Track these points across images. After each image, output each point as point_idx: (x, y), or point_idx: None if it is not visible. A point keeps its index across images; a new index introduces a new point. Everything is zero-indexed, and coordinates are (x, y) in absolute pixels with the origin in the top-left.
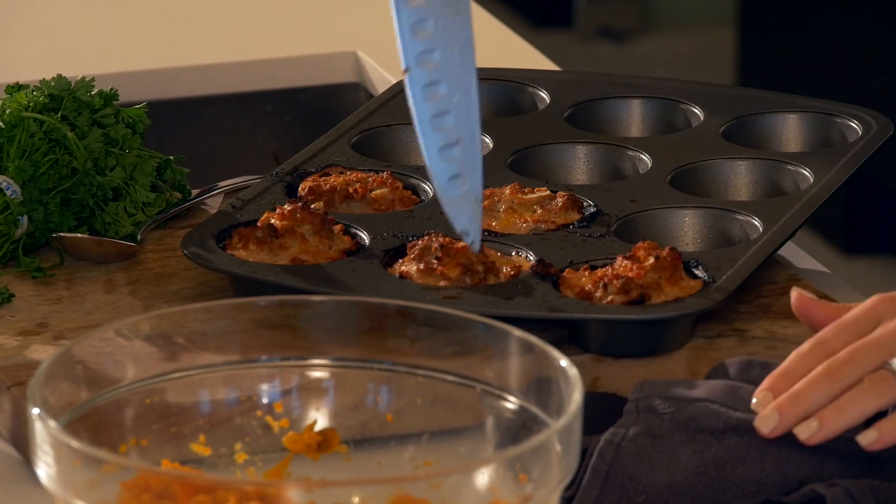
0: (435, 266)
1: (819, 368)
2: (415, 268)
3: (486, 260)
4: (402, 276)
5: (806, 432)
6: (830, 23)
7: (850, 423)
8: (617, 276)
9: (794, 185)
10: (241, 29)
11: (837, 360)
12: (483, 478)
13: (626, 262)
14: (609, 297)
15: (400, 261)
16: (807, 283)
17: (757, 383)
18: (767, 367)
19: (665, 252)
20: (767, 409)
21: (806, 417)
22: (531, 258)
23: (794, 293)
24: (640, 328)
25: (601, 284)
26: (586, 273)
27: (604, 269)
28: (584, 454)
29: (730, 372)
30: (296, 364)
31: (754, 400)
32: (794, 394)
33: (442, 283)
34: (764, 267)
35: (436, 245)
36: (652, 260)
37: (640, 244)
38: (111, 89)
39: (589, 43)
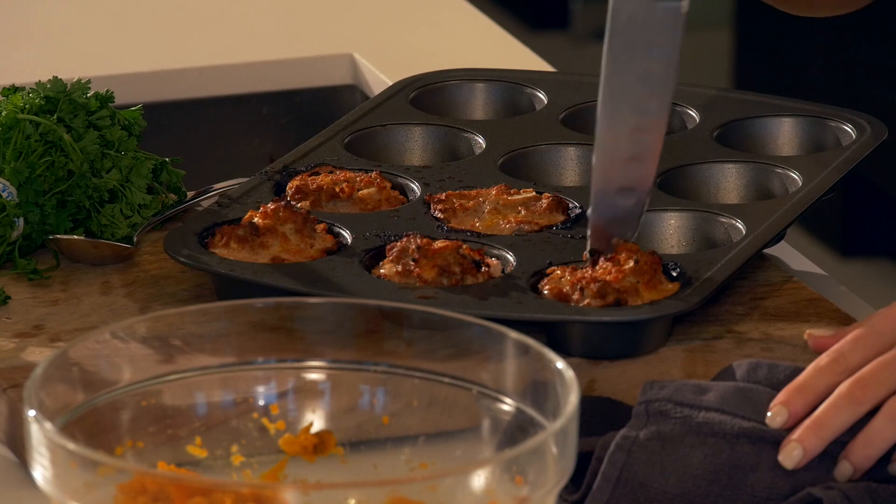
0: (412, 268)
1: (840, 390)
2: (393, 270)
3: (464, 261)
4: (381, 277)
5: (840, 473)
6: (826, 26)
7: (879, 454)
8: (594, 280)
9: (783, 188)
10: (237, 31)
11: (859, 382)
12: (479, 480)
13: (606, 263)
14: (585, 301)
15: (380, 262)
16: (803, 285)
17: (763, 384)
18: (774, 369)
19: (645, 256)
20: (791, 444)
21: (829, 443)
22: (511, 259)
23: (810, 338)
24: (615, 330)
25: (578, 288)
26: (566, 275)
27: (582, 270)
28: (588, 457)
29: (737, 375)
30: (292, 366)
31: (769, 414)
32: (817, 422)
33: (419, 285)
34: (759, 269)
35: (413, 247)
36: (631, 263)
37: (622, 245)
38: (107, 91)
39: (585, 45)
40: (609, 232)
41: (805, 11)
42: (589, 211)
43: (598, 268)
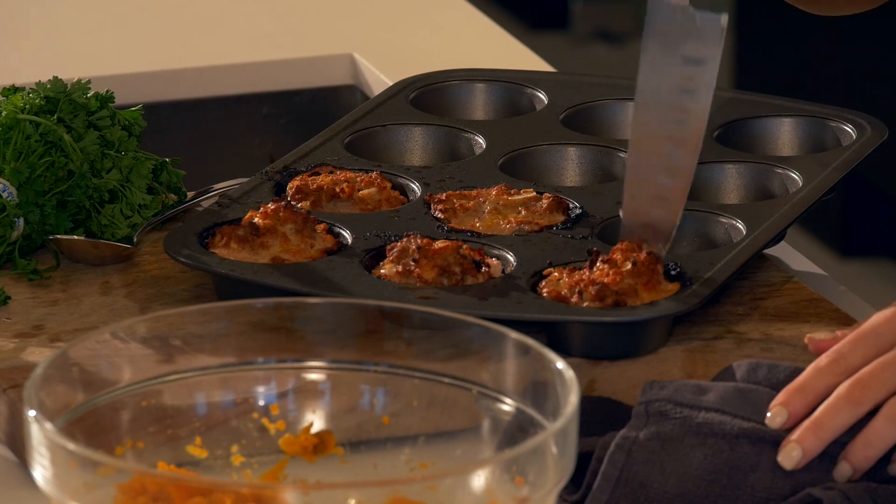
0: (412, 268)
1: (840, 391)
2: (393, 270)
3: (464, 261)
4: (382, 278)
5: (840, 473)
6: (827, 27)
7: (879, 455)
8: (592, 283)
9: (783, 188)
10: (238, 31)
11: (859, 383)
12: (479, 480)
13: (604, 265)
14: (584, 304)
15: (381, 262)
16: (803, 285)
17: (763, 385)
18: (774, 369)
19: (642, 256)
20: (790, 444)
21: (828, 444)
22: (511, 259)
23: (810, 342)
24: (615, 330)
25: (576, 290)
26: (564, 277)
27: (580, 272)
28: (588, 457)
29: (737, 375)
30: (292, 366)
31: (769, 414)
32: (816, 423)
33: (419, 285)
34: (759, 269)
35: (413, 247)
36: (629, 265)
37: (618, 245)
38: (107, 91)
39: (585, 45)
40: (640, 240)
41: (827, 11)
42: (620, 213)
43: (595, 269)
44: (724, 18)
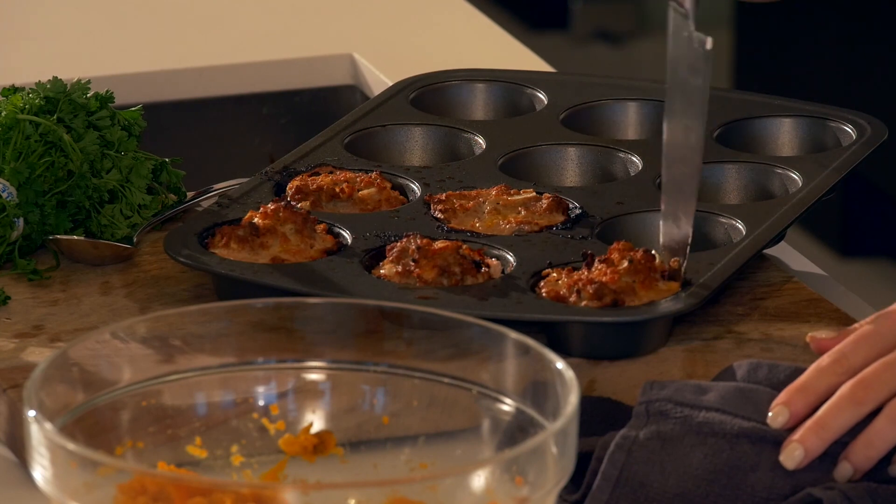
0: (412, 268)
1: (842, 391)
2: (393, 270)
3: (464, 261)
4: (382, 278)
5: (840, 473)
6: (826, 26)
7: (880, 455)
8: (590, 282)
9: (783, 188)
10: (237, 31)
11: (861, 383)
12: (479, 480)
13: (601, 265)
14: (583, 303)
15: (381, 262)
16: (803, 285)
17: (764, 385)
18: (774, 369)
19: (639, 255)
20: (792, 444)
21: (830, 444)
22: (511, 259)
23: (812, 341)
24: (615, 330)
25: (575, 290)
26: (562, 277)
27: (578, 272)
28: (588, 457)
29: (737, 375)
30: (292, 366)
31: (770, 414)
32: (818, 423)
33: (419, 285)
34: (759, 269)
35: (413, 247)
36: (626, 263)
37: (615, 245)
38: (107, 91)
39: (585, 45)
40: (677, 252)
41: None
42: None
43: (593, 269)
44: (710, 41)
